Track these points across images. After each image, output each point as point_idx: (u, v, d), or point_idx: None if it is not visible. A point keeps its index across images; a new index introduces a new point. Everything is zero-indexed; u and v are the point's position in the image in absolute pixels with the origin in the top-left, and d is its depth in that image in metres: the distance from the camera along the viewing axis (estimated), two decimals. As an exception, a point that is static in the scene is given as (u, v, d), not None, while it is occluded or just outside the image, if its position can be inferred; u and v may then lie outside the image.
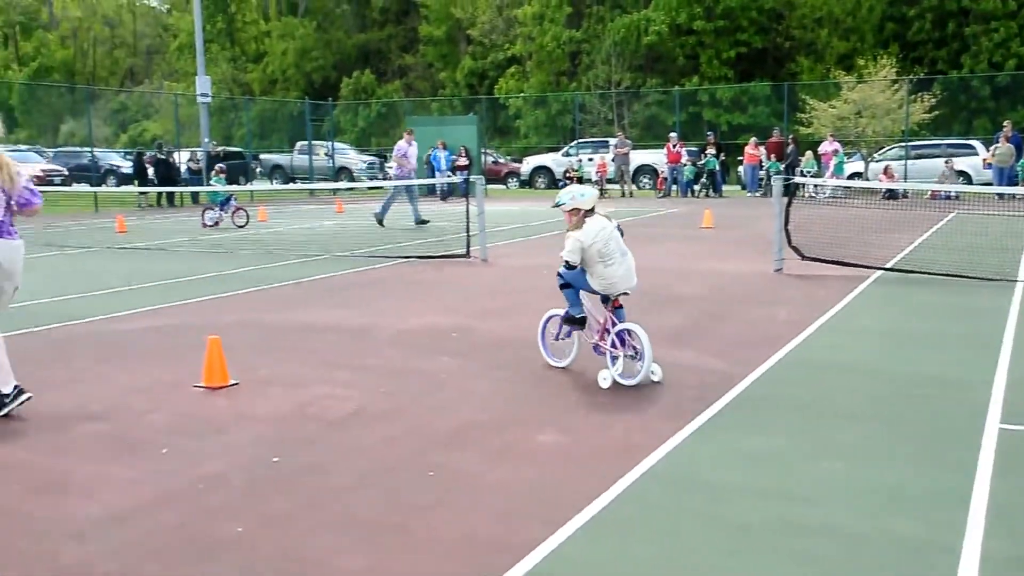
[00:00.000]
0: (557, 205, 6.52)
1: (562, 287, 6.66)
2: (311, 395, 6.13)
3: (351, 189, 33.37)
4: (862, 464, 4.76)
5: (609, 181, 30.19)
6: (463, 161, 29.81)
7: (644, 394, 6.10)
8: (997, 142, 25.36)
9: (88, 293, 10.65)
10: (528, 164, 36.54)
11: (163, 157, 28.64)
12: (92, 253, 15.37)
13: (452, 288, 10.88)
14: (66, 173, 35.27)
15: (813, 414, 5.65)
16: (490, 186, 28.16)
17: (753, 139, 29.37)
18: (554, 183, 33.98)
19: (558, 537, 3.87)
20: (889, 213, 17.02)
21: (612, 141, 32.34)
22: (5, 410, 5.67)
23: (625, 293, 6.53)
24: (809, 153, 27.67)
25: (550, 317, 6.93)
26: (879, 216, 16.28)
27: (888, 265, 11.67)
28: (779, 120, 32.67)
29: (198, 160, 30.05)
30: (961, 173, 26.41)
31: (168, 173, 28.38)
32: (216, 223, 19.34)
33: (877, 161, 28.34)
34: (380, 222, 18.68)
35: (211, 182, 20.41)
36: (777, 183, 12.35)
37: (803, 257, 11.74)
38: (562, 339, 6.84)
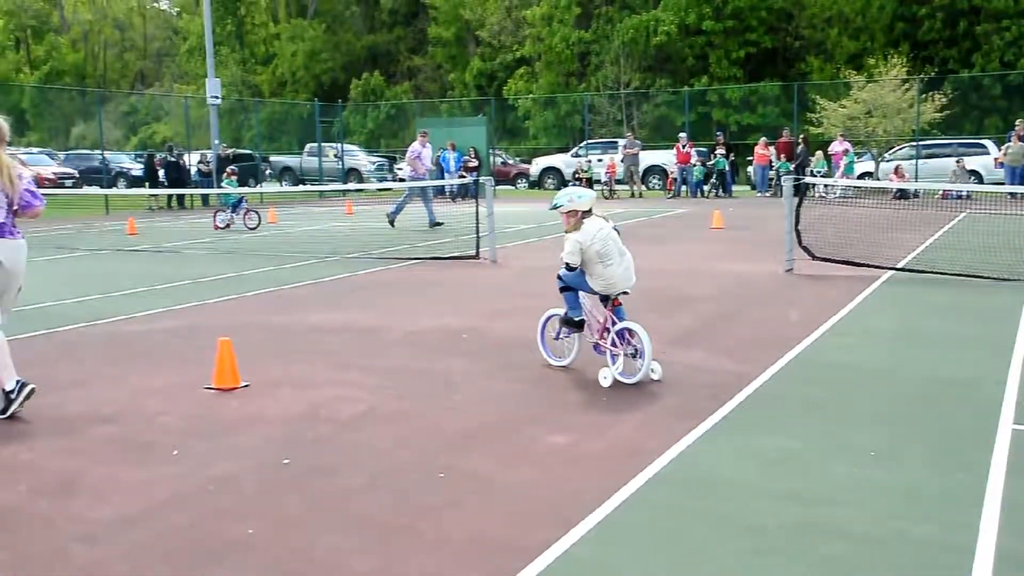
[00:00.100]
0: (554, 207, 6.54)
1: (562, 290, 6.68)
2: (322, 396, 6.13)
3: (361, 191, 33.41)
4: (876, 465, 4.73)
5: (618, 182, 30.17)
6: (473, 162, 29.81)
7: (656, 395, 6.08)
8: (1009, 141, 25.22)
9: (100, 295, 10.68)
10: (537, 165, 36.53)
11: (174, 159, 28.72)
12: (103, 255, 15.42)
13: (462, 289, 10.87)
14: (77, 176, 35.47)
15: (826, 415, 5.62)
16: (499, 187, 28.15)
17: (763, 139, 29.30)
18: (563, 184, 33.95)
19: (570, 539, 3.86)
20: (900, 213, 16.95)
21: (621, 142, 32.30)
22: (13, 407, 5.70)
23: (625, 292, 6.54)
24: (820, 153, 27.59)
25: (549, 317, 6.97)
26: (890, 216, 16.21)
27: (899, 265, 11.62)
28: (789, 120, 32.57)
29: (208, 162, 30.13)
30: (972, 172, 26.29)
31: (178, 175, 28.46)
32: (228, 225, 19.36)
33: (888, 161, 28.24)
34: (391, 222, 18.68)
35: (223, 184, 20.42)
36: (788, 183, 12.31)
37: (814, 257, 11.69)
38: (562, 338, 6.86)
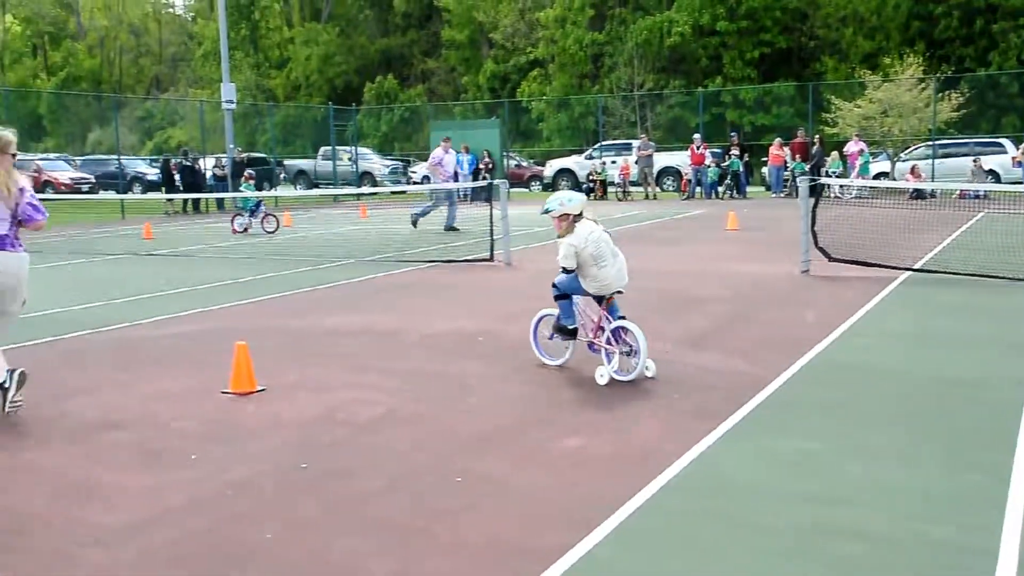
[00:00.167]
0: (546, 212, 6.61)
1: (557, 298, 6.75)
2: (338, 400, 6.14)
3: (375, 194, 33.48)
4: (895, 466, 4.70)
5: (632, 183, 30.11)
6: (484, 164, 29.82)
7: (672, 397, 6.06)
8: (1026, 139, 25.04)
9: (116, 300, 10.73)
10: (551, 167, 36.53)
11: (189, 164, 28.87)
12: (120, 260, 15.50)
13: (477, 292, 10.87)
14: (94, 181, 35.71)
15: (844, 416, 5.59)
16: (513, 189, 28.15)
17: (778, 140, 29.19)
18: (577, 186, 33.92)
19: (587, 543, 3.85)
20: (917, 213, 16.84)
21: (635, 143, 32.24)
22: (11, 394, 5.83)
23: (619, 292, 6.62)
24: (835, 153, 27.46)
25: (542, 317, 7.05)
26: (906, 216, 16.12)
27: (916, 266, 11.55)
28: (803, 120, 32.44)
29: (223, 166, 30.27)
30: (990, 172, 26.10)
31: (194, 179, 28.60)
32: (246, 229, 19.39)
33: (904, 161, 28.08)
34: (415, 223, 18.68)
35: (241, 188, 20.48)
36: (803, 184, 12.25)
37: (830, 258, 11.63)
38: (556, 338, 6.91)
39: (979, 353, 7.23)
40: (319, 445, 5.23)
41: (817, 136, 28.74)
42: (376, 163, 39.16)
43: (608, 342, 6.49)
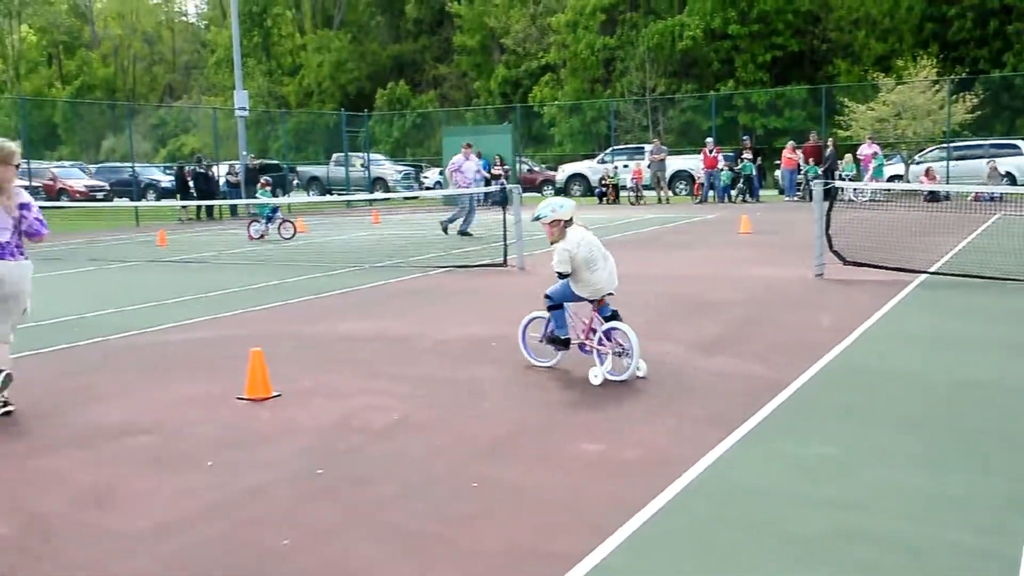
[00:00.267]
0: (537, 219, 6.73)
1: (551, 308, 6.83)
2: (353, 406, 6.14)
3: (387, 200, 33.55)
4: (914, 471, 4.66)
5: (645, 187, 30.08)
6: (498, 170, 29.84)
7: (688, 401, 6.03)
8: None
9: (131, 306, 10.78)
10: (564, 172, 36.54)
11: (202, 171, 29.00)
12: (135, 267, 15.58)
13: (490, 297, 10.87)
14: (108, 188, 35.92)
15: (861, 420, 5.56)
16: (525, 194, 28.17)
17: (791, 143, 29.12)
18: (589, 190, 33.93)
19: (604, 548, 3.83)
20: (931, 216, 16.75)
21: (648, 147, 32.21)
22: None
23: (610, 294, 6.76)
24: (848, 156, 27.36)
25: (531, 320, 7.17)
26: (921, 219, 16.04)
27: (932, 269, 11.48)
28: (816, 123, 32.34)
29: (236, 173, 30.39)
30: (1006, 174, 25.95)
31: (207, 186, 28.73)
32: (262, 235, 19.43)
33: (918, 163, 27.95)
34: (445, 230, 18.67)
35: (257, 195, 20.53)
36: (817, 187, 12.21)
37: (844, 262, 11.59)
38: (544, 342, 7.02)
39: (997, 356, 7.18)
40: (334, 451, 5.23)
41: (830, 139, 28.65)
42: (388, 169, 39.26)
43: (600, 343, 6.61)
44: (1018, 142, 27.81)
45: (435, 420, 5.80)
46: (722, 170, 28.87)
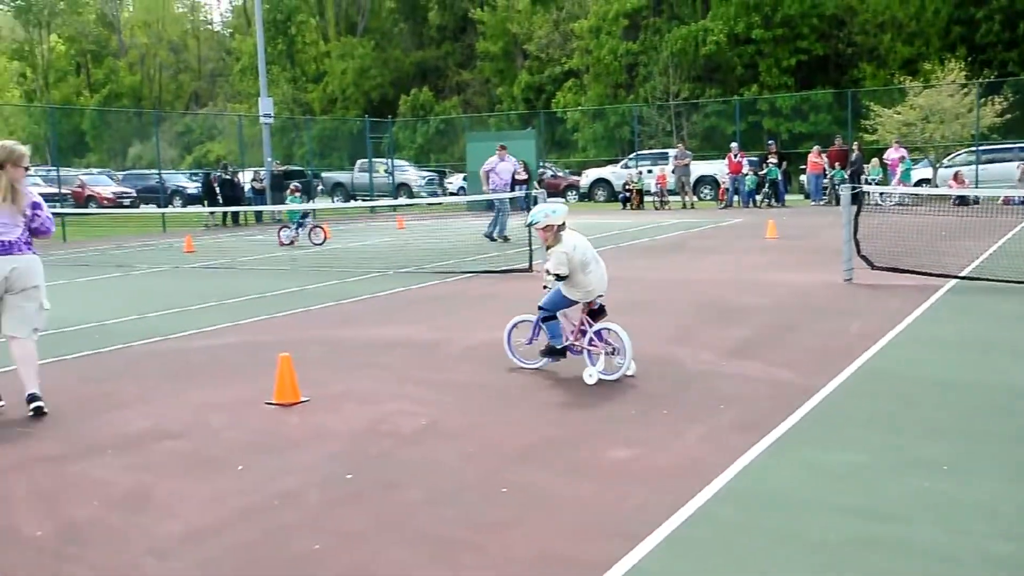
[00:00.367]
0: (531, 224, 6.99)
1: (545, 320, 6.99)
2: (382, 411, 6.15)
3: (412, 205, 33.65)
4: (949, 480, 4.60)
5: (670, 192, 29.99)
6: (522, 175, 29.81)
7: (717, 407, 6.00)
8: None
9: (160, 312, 10.86)
10: (587, 177, 36.52)
11: (228, 177, 29.23)
12: (162, 273, 15.71)
13: (516, 302, 10.82)
14: (135, 195, 36.29)
15: (894, 428, 5.50)
16: (548, 200, 28.11)
17: (816, 147, 28.94)
18: (613, 195, 33.87)
19: (635, 555, 3.81)
20: (961, 220, 16.58)
21: (672, 152, 32.12)
22: None
23: (600, 296, 6.93)
24: (875, 160, 27.15)
25: (517, 323, 7.34)
26: (950, 223, 15.88)
27: (963, 274, 11.36)
28: (842, 128, 32.13)
29: (261, 179, 30.60)
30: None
31: (233, 193, 28.95)
32: (292, 242, 19.52)
33: (946, 167, 27.70)
34: (491, 238, 18.60)
35: (287, 201, 20.62)
36: (845, 192, 12.12)
37: (873, 267, 11.49)
38: (534, 342, 7.17)
39: (1031, 362, 7.08)
40: (364, 456, 5.24)
41: (855, 143, 28.45)
42: (412, 175, 39.39)
43: (591, 343, 6.79)
44: (1048, 145, 27.50)
45: (464, 426, 5.80)
46: (747, 175, 28.73)
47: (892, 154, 26.66)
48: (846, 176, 26.10)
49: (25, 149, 6.38)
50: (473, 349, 8.14)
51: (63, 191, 31.61)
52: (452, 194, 38.39)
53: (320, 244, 19.16)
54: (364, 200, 35.15)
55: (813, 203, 28.20)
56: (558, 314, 6.98)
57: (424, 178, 38.89)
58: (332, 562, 3.87)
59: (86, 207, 33.40)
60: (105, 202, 34.72)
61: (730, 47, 40.94)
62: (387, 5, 61.33)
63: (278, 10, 57.69)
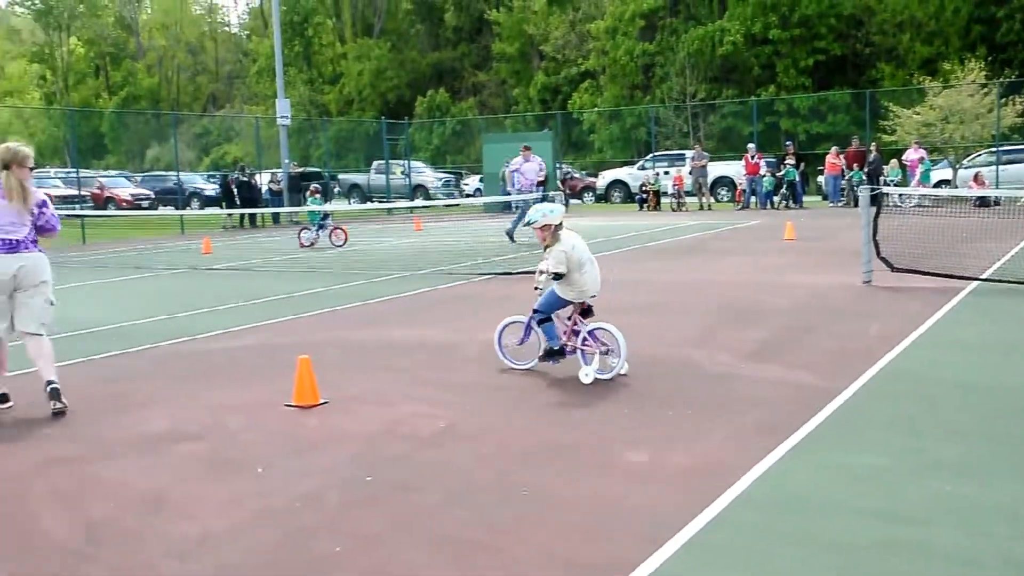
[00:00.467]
0: (528, 224, 7.11)
1: (540, 323, 7.09)
2: (401, 413, 6.15)
3: (428, 207, 33.69)
4: (972, 483, 4.56)
5: (687, 193, 29.91)
6: (541, 176, 29.78)
7: (737, 410, 5.96)
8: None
9: (178, 314, 10.91)
10: (604, 178, 36.47)
11: (245, 179, 29.36)
12: (181, 274, 15.78)
13: (534, 303, 10.82)
14: (153, 196, 36.49)
15: (915, 430, 5.45)
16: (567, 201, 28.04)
17: (834, 148, 28.78)
18: (629, 197, 33.81)
19: (656, 559, 3.79)
20: (982, 221, 16.44)
21: (689, 154, 32.04)
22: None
23: (592, 296, 7.04)
24: (894, 161, 26.97)
25: (507, 324, 7.43)
26: (971, 225, 15.76)
27: (985, 275, 11.26)
28: (860, 128, 31.94)
29: (279, 181, 30.72)
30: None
31: (250, 194, 29.08)
32: (312, 243, 19.58)
33: (966, 168, 27.49)
34: (512, 237, 18.54)
35: (308, 202, 20.68)
36: (864, 193, 12.04)
37: (893, 269, 11.40)
38: (525, 343, 7.26)
39: (1054, 365, 7.01)
40: (383, 459, 5.24)
41: (873, 144, 28.29)
42: (429, 176, 39.44)
43: (584, 343, 6.89)
44: (1070, 146, 27.26)
45: (482, 428, 5.79)
46: (764, 176, 28.60)
47: (911, 155, 26.49)
48: (864, 177, 25.95)
49: (29, 150, 6.52)
50: (491, 351, 8.10)
51: (82, 193, 31.84)
52: (468, 196, 38.41)
53: (340, 246, 19.21)
54: (381, 202, 35.22)
55: (831, 204, 28.05)
56: (552, 316, 7.07)
57: (440, 180, 38.93)
58: (351, 564, 3.86)
59: (105, 209, 33.62)
60: (124, 204, 34.93)
61: (747, 47, 40.79)
62: (404, 6, 61.48)
63: (295, 12, 57.91)
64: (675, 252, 16.42)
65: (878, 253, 11.49)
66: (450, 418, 6.00)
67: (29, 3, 70.27)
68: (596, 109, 44.72)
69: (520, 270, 13.82)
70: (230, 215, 28.90)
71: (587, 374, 6.76)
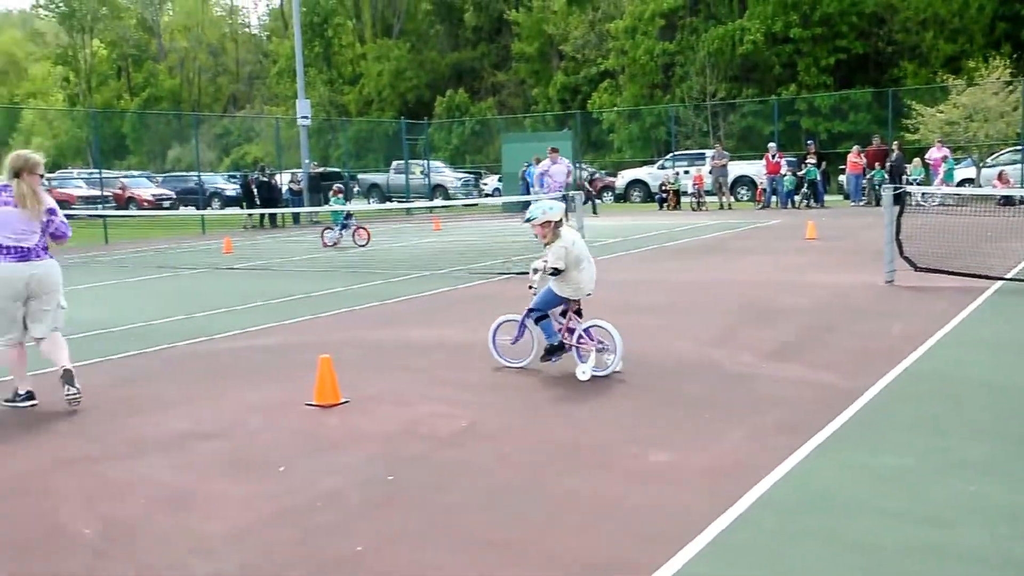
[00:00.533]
0: (528, 220, 7.18)
1: (538, 320, 7.16)
2: (421, 413, 6.16)
3: (448, 207, 33.72)
4: (997, 483, 4.51)
5: (707, 193, 29.79)
6: (569, 178, 29.75)
7: (760, 411, 5.93)
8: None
9: (199, 313, 10.97)
10: (623, 178, 36.39)
11: (266, 179, 29.50)
12: (202, 274, 15.87)
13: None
14: (174, 197, 36.73)
15: (941, 430, 5.40)
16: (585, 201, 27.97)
17: (856, 147, 28.58)
18: (649, 196, 33.72)
19: (679, 559, 3.77)
20: (1006, 220, 16.28)
21: (709, 153, 31.92)
22: (14, 405, 6.58)
23: (588, 295, 7.13)
24: (917, 160, 26.75)
25: (501, 323, 7.52)
26: (995, 224, 15.60)
27: (1010, 275, 11.14)
28: (882, 127, 31.70)
29: (299, 181, 30.84)
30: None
31: (271, 194, 29.21)
32: (335, 243, 19.64)
33: (990, 166, 27.22)
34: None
35: (331, 202, 20.75)
36: (887, 192, 11.94)
37: (916, 268, 11.31)
38: (519, 341, 7.33)
39: (1081, 365, 6.93)
40: (404, 458, 5.24)
41: (895, 143, 28.06)
42: (448, 176, 39.47)
43: (580, 340, 6.97)
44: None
45: (502, 428, 5.79)
46: (784, 175, 28.43)
47: (935, 154, 26.27)
48: (886, 176, 25.75)
49: (40, 157, 6.62)
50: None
51: (105, 193, 32.09)
52: (488, 195, 38.42)
53: (364, 245, 19.26)
54: (400, 202, 35.30)
55: (852, 204, 27.86)
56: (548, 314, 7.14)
57: (460, 179, 38.96)
58: (373, 564, 3.87)
59: (127, 209, 33.87)
60: (145, 204, 35.17)
61: (767, 46, 40.57)
62: (423, 7, 61.59)
63: (315, 13, 58.16)
64: (695, 251, 16.35)
65: (901, 252, 11.41)
66: (471, 418, 6.00)
67: (53, 6, 70.91)
68: (616, 109, 44.63)
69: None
70: (250, 215, 29.04)
71: (584, 372, 6.83)
